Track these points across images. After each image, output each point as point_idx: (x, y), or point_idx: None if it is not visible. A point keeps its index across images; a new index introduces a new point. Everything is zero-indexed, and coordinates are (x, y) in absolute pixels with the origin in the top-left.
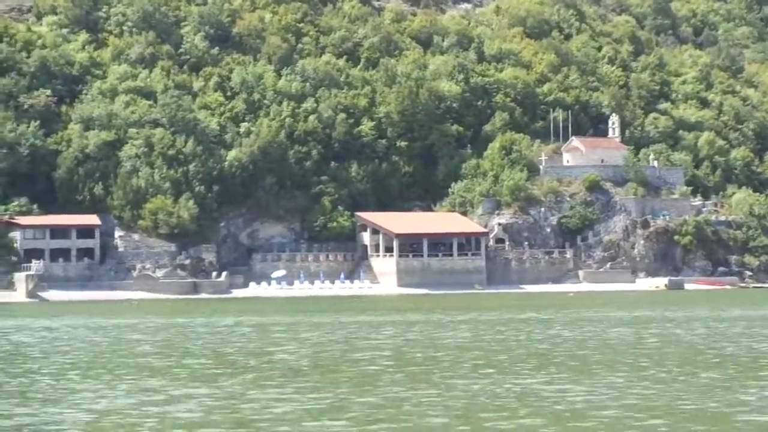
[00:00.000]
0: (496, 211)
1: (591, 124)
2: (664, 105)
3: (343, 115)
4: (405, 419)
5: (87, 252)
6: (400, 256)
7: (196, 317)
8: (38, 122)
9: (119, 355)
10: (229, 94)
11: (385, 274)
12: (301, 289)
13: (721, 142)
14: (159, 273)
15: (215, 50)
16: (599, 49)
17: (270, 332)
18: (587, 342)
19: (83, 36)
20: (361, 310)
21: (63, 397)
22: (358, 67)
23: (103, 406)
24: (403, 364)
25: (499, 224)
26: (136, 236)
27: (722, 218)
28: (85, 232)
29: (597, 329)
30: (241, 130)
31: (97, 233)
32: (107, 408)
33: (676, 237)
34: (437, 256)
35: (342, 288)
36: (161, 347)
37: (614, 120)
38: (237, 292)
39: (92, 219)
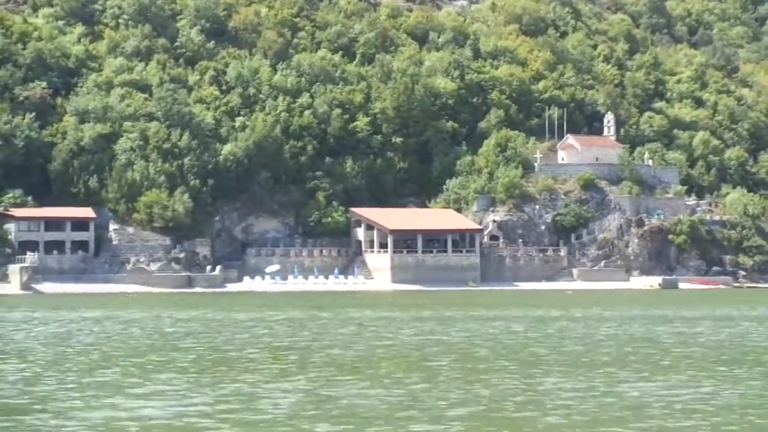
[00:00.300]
0: (491, 208)
1: (586, 122)
2: (659, 104)
3: (338, 111)
4: None
5: (81, 245)
6: (394, 252)
7: (217, 311)
8: (33, 114)
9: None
10: (224, 88)
11: (379, 269)
12: (295, 284)
13: (715, 142)
14: (153, 266)
15: (211, 44)
16: (594, 47)
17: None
18: (687, 340)
19: (79, 28)
20: (417, 305)
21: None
22: (354, 62)
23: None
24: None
25: (494, 221)
26: (130, 229)
27: (716, 218)
28: (80, 224)
29: (665, 327)
30: (237, 124)
31: (91, 226)
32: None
33: (670, 236)
34: (431, 252)
35: (336, 283)
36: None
37: (609, 118)
38: (231, 287)
39: (87, 212)
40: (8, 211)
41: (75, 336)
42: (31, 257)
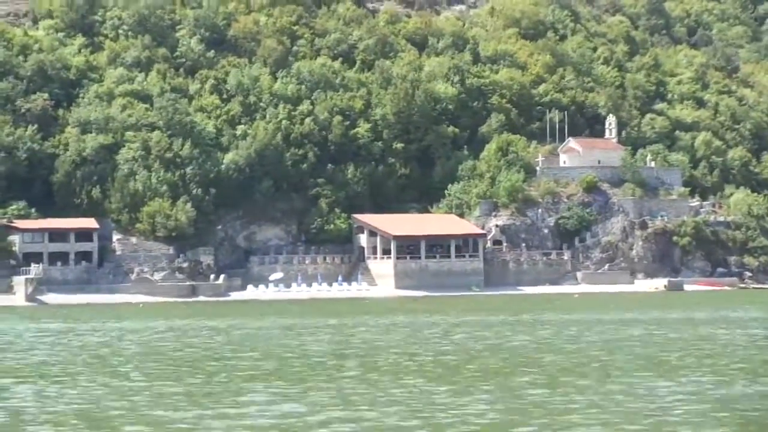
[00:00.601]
0: (493, 213)
1: (587, 124)
2: (660, 105)
3: (339, 118)
4: None
5: (85, 255)
6: (397, 258)
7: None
8: (36, 126)
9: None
10: (225, 96)
11: (382, 276)
12: (299, 291)
13: (718, 143)
14: (157, 276)
15: (211, 53)
16: (594, 49)
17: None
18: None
19: (79, 40)
20: (466, 311)
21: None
22: (354, 69)
23: None
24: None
25: (497, 226)
26: (133, 239)
27: (721, 219)
28: (84, 235)
29: (708, 330)
30: (238, 132)
31: (95, 237)
32: None
33: (674, 238)
34: (435, 257)
35: (340, 290)
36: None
37: (611, 121)
38: (235, 295)
39: (90, 222)
40: (12, 222)
41: (164, 346)
42: (35, 269)
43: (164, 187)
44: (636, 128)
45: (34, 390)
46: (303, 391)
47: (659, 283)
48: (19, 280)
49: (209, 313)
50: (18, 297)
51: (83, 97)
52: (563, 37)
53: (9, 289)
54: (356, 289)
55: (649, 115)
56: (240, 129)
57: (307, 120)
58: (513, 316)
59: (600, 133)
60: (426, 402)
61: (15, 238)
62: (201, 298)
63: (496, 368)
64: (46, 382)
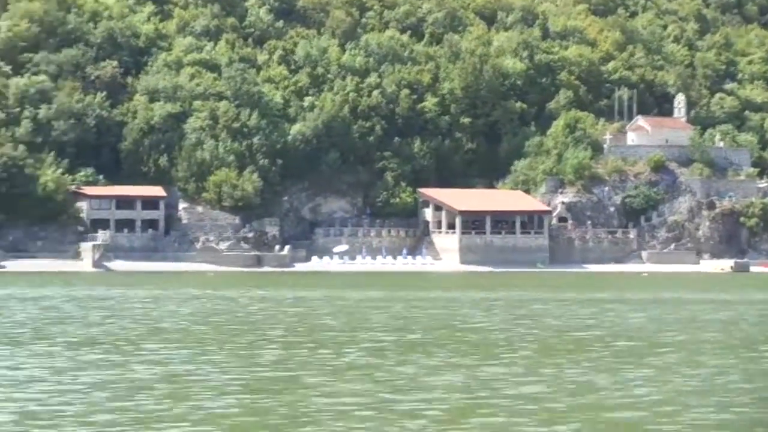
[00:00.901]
0: (559, 190)
1: (656, 103)
2: (730, 85)
3: (406, 91)
4: None
5: (151, 223)
6: (462, 233)
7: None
8: (104, 93)
9: None
10: (293, 67)
11: (447, 250)
12: (363, 264)
13: None
14: (222, 245)
15: (279, 23)
16: (665, 27)
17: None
18: None
19: (149, 7)
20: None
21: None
22: (422, 42)
23: None
24: None
25: (563, 203)
26: (199, 208)
27: None
28: (150, 203)
29: None
30: (305, 104)
31: (161, 205)
32: None
33: (741, 219)
34: (500, 233)
35: (404, 264)
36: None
37: (680, 99)
38: (299, 266)
39: (157, 190)
40: (80, 189)
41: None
42: (102, 235)
43: (231, 157)
44: (705, 108)
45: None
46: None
47: (725, 264)
48: (86, 247)
49: (302, 284)
50: (85, 263)
51: (152, 66)
52: (634, 14)
53: (76, 255)
54: (420, 263)
55: (718, 95)
56: (307, 100)
57: (375, 93)
58: (616, 294)
59: (669, 112)
60: None
61: (83, 205)
62: (266, 268)
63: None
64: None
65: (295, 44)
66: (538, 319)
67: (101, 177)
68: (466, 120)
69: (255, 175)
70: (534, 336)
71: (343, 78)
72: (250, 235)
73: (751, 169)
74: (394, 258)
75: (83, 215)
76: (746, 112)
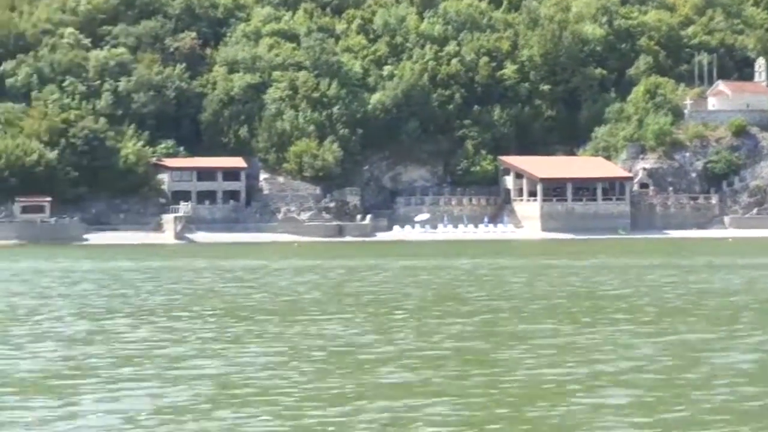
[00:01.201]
0: (640, 156)
1: (736, 67)
2: None
3: (485, 59)
4: None
5: (233, 194)
6: (543, 200)
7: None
8: (184, 65)
9: None
10: (371, 36)
11: (528, 218)
12: (445, 232)
13: None
14: (304, 216)
15: None
16: None
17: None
18: None
19: None
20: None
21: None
22: (501, 9)
23: None
24: None
25: (644, 169)
26: (280, 179)
27: None
28: (231, 174)
29: None
30: (384, 73)
31: (242, 176)
32: None
33: None
34: (581, 200)
35: (486, 232)
36: None
37: (760, 64)
38: (381, 236)
39: (238, 162)
40: (161, 161)
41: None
42: (184, 207)
43: (311, 127)
44: None
45: None
46: None
47: None
48: (168, 218)
49: (394, 253)
50: (167, 235)
51: (230, 36)
52: None
53: (158, 227)
54: (501, 231)
55: None
56: (386, 69)
57: (454, 61)
58: (715, 259)
59: (749, 77)
60: None
61: (164, 177)
62: (348, 238)
63: None
64: None
65: (374, 13)
66: (678, 285)
67: (182, 149)
68: (545, 87)
69: (335, 145)
70: (689, 301)
71: (422, 46)
72: (332, 205)
73: None
74: (476, 226)
75: (164, 187)
76: None
